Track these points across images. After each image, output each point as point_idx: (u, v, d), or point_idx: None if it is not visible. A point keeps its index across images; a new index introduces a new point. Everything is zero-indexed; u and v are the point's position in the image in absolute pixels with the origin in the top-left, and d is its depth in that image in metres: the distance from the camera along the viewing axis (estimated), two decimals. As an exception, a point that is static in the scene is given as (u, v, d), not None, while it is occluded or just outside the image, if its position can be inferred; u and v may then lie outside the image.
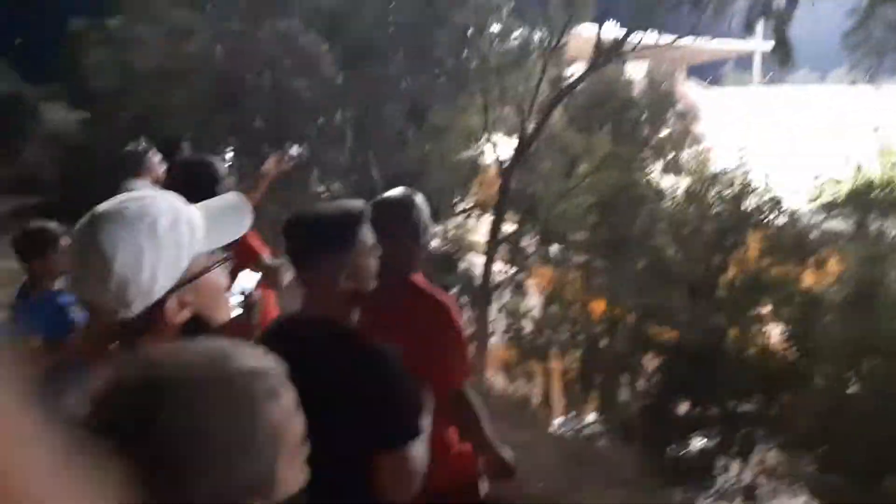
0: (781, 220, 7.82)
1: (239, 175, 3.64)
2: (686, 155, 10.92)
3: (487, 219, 10.92)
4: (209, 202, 1.28)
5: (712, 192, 8.15)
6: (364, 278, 1.79)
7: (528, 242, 11.00)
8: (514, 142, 10.80)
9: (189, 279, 1.16)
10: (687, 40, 9.14)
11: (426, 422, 1.78)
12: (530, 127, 10.19)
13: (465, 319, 2.06)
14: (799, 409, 7.00)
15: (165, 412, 0.73)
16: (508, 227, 11.06)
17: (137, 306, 1.12)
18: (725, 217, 7.89)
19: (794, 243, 7.48)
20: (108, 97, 9.90)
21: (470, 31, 8.34)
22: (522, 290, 11.02)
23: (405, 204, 2.24)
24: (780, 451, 7.21)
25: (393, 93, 8.63)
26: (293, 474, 0.85)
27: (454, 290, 10.81)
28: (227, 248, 1.25)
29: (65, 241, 2.80)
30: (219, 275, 1.23)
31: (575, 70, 10.88)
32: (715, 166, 9.44)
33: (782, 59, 7.49)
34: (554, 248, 10.45)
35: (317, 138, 7.97)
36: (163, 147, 4.33)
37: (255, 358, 0.83)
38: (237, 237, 1.25)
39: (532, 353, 9.64)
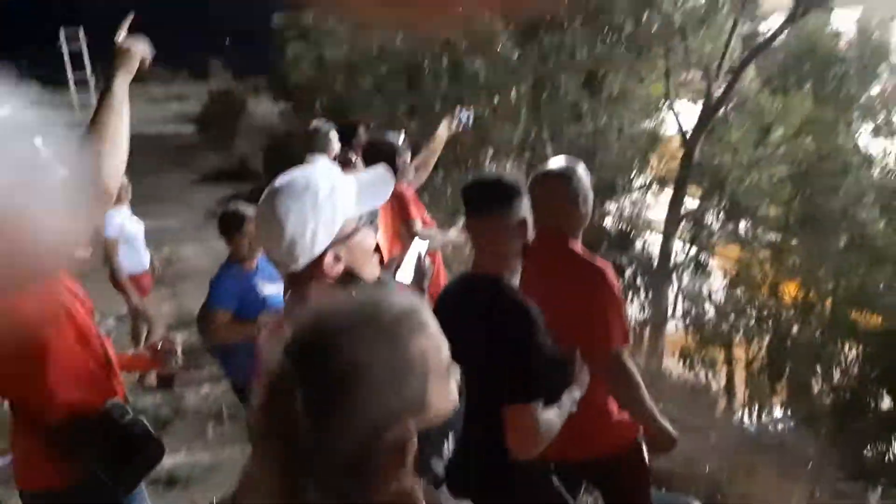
0: None
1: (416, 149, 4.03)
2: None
3: (668, 194, 10.42)
4: (361, 174, 1.57)
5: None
6: (522, 242, 1.97)
7: (713, 219, 10.34)
8: (699, 109, 10.17)
9: (342, 239, 1.45)
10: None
11: (569, 391, 1.91)
12: (718, 91, 9.53)
13: (620, 288, 2.06)
14: None
15: (332, 351, 0.91)
16: (691, 204, 10.48)
17: (303, 261, 1.43)
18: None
19: None
20: (304, 87, 10.82)
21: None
22: (705, 270, 10.41)
23: (566, 173, 2.34)
24: None
25: (568, 64, 8.52)
26: (444, 396, 0.98)
27: (630, 270, 10.48)
28: (373, 214, 1.53)
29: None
30: (366, 235, 1.51)
31: (772, 24, 9.95)
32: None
33: None
34: (742, 226, 9.72)
35: (488, 117, 8.12)
36: (344, 130, 4.91)
37: (401, 299, 0.99)
38: (380, 204, 1.55)
39: (714, 340, 9.07)
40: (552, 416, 1.82)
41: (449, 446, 1.02)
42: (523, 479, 1.91)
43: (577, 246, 2.34)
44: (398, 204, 3.45)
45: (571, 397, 1.91)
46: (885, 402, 7.00)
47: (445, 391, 0.99)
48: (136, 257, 4.82)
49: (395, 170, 3.30)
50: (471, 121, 3.84)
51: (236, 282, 3.14)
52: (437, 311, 1.01)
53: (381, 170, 1.59)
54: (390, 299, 0.98)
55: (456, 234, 3.53)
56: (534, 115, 9.07)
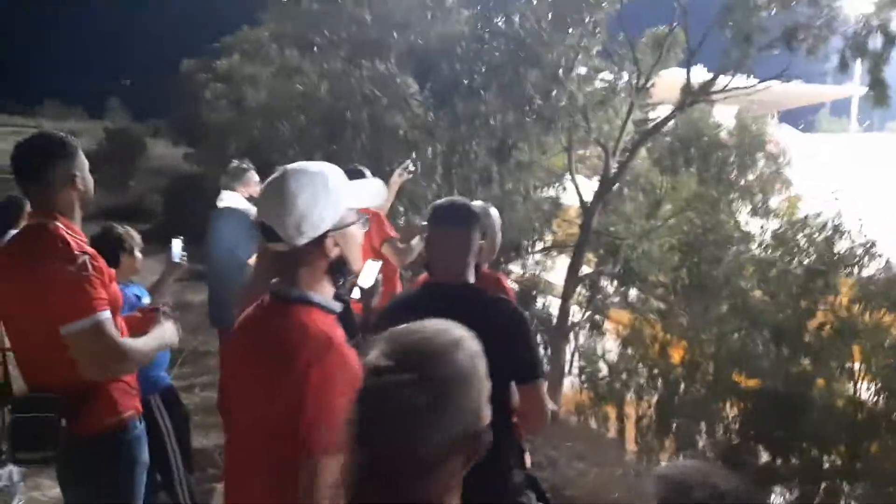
0: (875, 266, 7.57)
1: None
2: (775, 199, 10.71)
3: (566, 260, 10.99)
4: (361, 181, 1.84)
5: (802, 236, 7.97)
6: (484, 257, 2.44)
7: (608, 284, 10.98)
8: (595, 183, 10.91)
9: (341, 226, 1.59)
10: (778, 84, 9.10)
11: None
12: (614, 167, 10.29)
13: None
14: (887, 462, 6.68)
15: (448, 360, 1.07)
16: (587, 269, 11.08)
17: (307, 238, 1.54)
18: (815, 260, 7.69)
19: (888, 290, 7.21)
20: (219, 130, 10.70)
21: (560, 71, 8.60)
22: (600, 331, 10.98)
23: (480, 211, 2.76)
24: (864, 504, 6.86)
25: (482, 130, 8.97)
26: (487, 408, 1.13)
27: (532, 325, 10.87)
28: (364, 215, 1.72)
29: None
30: (359, 229, 1.69)
31: (661, 112, 10.97)
32: (806, 211, 9.23)
33: (878, 99, 7.34)
34: (633, 292, 10.40)
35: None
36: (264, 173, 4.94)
37: (456, 328, 1.15)
38: (376, 203, 1.80)
39: (607, 398, 9.54)
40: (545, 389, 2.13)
41: None
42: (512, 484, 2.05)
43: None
44: (377, 223, 3.69)
45: None
46: (763, 457, 7.55)
47: (487, 403, 1.13)
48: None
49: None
50: (419, 170, 4.30)
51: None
52: (403, 317, 1.15)
53: (377, 181, 1.87)
54: (451, 328, 1.14)
55: (418, 247, 3.82)
56: (446, 174, 9.42)
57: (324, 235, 1.56)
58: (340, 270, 1.62)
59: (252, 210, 4.52)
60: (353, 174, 3.90)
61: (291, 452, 1.43)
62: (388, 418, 1.00)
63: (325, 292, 1.61)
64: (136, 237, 3.49)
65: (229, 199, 4.59)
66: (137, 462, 2.33)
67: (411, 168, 4.36)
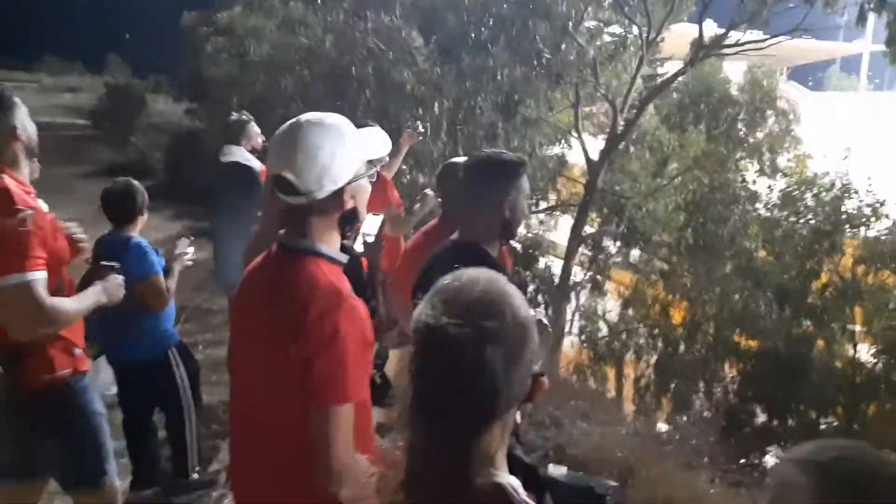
0: (882, 226, 7.52)
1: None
2: (784, 157, 10.57)
3: (569, 218, 10.93)
4: (367, 130, 1.74)
5: (809, 195, 7.90)
6: (515, 220, 2.18)
7: (611, 244, 10.95)
8: (601, 142, 10.78)
9: (355, 179, 1.59)
10: (789, 41, 8.89)
11: None
12: (621, 124, 10.16)
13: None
14: (885, 423, 6.76)
15: (510, 310, 1.04)
16: (590, 228, 11.04)
17: (326, 191, 1.53)
18: (822, 220, 7.64)
19: (894, 250, 7.18)
20: (220, 85, 10.54)
21: (570, 24, 8.40)
22: (601, 291, 10.99)
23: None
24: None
25: (488, 85, 8.81)
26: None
27: (532, 288, 10.88)
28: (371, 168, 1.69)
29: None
30: (368, 181, 1.67)
31: (670, 68, 10.78)
32: (814, 170, 9.12)
33: (895, 54, 7.14)
34: (636, 252, 10.35)
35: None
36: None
37: (494, 274, 1.12)
38: (385, 152, 1.77)
39: (606, 357, 9.60)
40: None
41: None
42: None
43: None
44: (382, 186, 3.63)
45: None
46: (760, 418, 7.63)
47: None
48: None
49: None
50: (428, 131, 4.20)
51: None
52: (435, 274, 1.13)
53: (380, 130, 1.79)
54: (493, 273, 1.10)
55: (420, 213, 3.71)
56: (451, 131, 9.30)
57: (342, 188, 1.55)
58: (350, 222, 1.62)
59: (256, 164, 4.46)
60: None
61: (300, 405, 1.43)
62: (463, 375, 0.98)
63: (333, 244, 1.61)
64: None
65: (233, 153, 4.52)
66: (87, 411, 2.35)
67: (420, 129, 4.28)
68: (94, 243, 3.07)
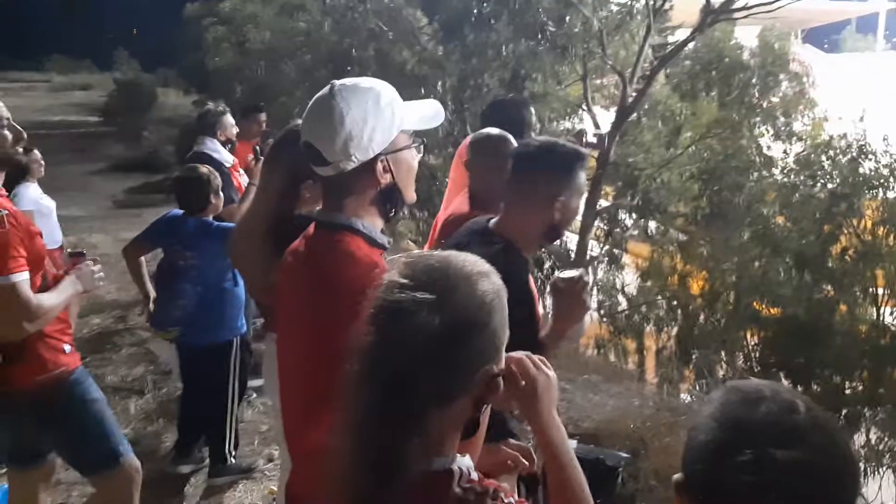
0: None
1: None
2: (799, 121, 10.34)
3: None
4: (416, 101, 1.56)
5: (826, 158, 7.71)
6: (565, 217, 1.93)
7: (626, 216, 10.81)
8: (612, 114, 10.62)
9: (394, 150, 1.43)
10: (802, 2, 8.64)
11: None
12: (631, 95, 9.99)
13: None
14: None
15: (448, 291, 0.98)
16: (605, 202, 10.90)
17: (356, 160, 1.39)
18: (839, 183, 7.46)
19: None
20: (223, 73, 10.51)
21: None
22: (618, 264, 10.87)
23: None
24: (885, 430, 6.84)
25: (494, 62, 8.69)
26: (502, 353, 1.07)
27: (548, 264, 10.80)
28: (420, 140, 1.52)
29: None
30: (413, 156, 1.49)
31: (679, 37, 10.55)
32: (830, 133, 8.90)
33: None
34: (652, 224, 10.20)
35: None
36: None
37: (484, 264, 1.07)
38: (433, 126, 1.54)
39: (626, 330, 9.49)
40: None
41: None
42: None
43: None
44: None
45: None
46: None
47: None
48: (52, 233, 4.61)
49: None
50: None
51: None
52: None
53: (434, 101, 1.61)
54: (482, 261, 1.06)
55: None
56: (456, 110, 9.20)
57: (374, 159, 1.40)
58: (392, 200, 1.46)
59: (226, 157, 4.45)
60: None
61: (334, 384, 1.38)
62: (400, 335, 0.94)
63: (374, 223, 1.47)
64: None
65: (204, 144, 4.47)
66: (87, 400, 2.35)
67: None
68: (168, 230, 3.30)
